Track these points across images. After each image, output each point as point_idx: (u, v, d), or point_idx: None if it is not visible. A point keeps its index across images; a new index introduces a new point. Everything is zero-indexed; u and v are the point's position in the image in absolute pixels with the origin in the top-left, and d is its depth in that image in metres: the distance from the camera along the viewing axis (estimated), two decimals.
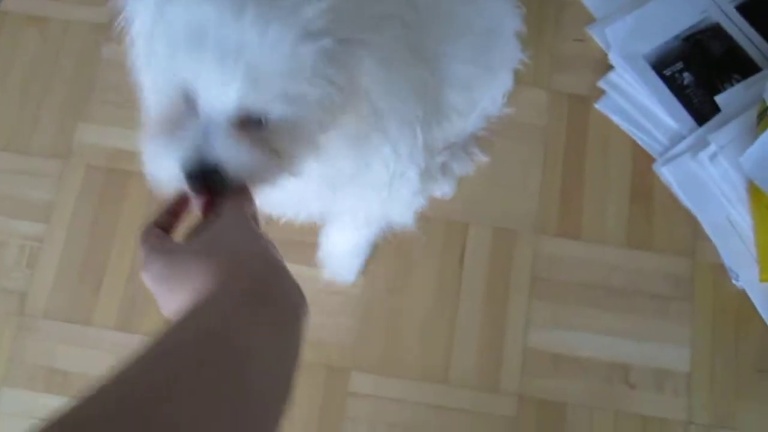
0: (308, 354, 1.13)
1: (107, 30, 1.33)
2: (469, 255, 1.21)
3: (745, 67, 1.29)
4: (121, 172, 1.25)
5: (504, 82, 1.18)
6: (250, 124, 0.64)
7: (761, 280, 1.18)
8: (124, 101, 1.28)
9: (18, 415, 1.15)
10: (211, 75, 0.61)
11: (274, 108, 0.64)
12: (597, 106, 1.29)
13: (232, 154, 0.63)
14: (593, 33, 1.33)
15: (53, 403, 1.15)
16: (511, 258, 1.21)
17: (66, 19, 1.35)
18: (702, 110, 1.27)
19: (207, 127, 0.63)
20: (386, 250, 1.21)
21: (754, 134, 1.18)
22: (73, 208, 1.24)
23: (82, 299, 1.19)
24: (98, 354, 1.17)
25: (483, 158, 1.25)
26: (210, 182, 0.63)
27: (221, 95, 0.62)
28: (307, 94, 0.65)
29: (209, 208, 0.63)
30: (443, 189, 1.23)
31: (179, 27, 0.62)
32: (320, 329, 1.17)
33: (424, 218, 1.13)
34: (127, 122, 1.23)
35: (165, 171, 0.65)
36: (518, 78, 1.24)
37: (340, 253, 1.19)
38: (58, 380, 1.16)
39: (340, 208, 0.96)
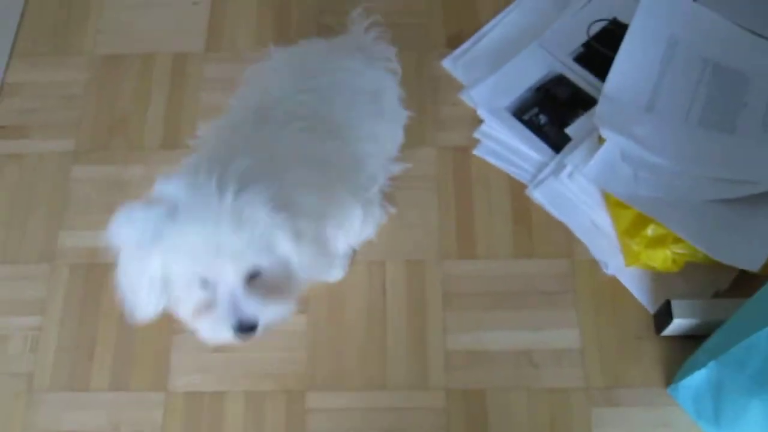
0: (270, 384, 1.39)
1: (73, 155, 1.64)
2: (389, 285, 1.48)
3: (587, 103, 1.59)
4: (99, 265, 1.51)
5: (397, 134, 1.46)
6: (253, 280, 0.96)
7: (626, 265, 1.44)
8: (93, 209, 1.57)
9: None
10: (225, 268, 0.93)
11: (262, 263, 0.96)
12: (475, 152, 1.59)
13: (258, 307, 0.96)
14: (463, 96, 1.65)
15: None
16: (424, 281, 1.48)
17: (39, 152, 1.65)
18: (557, 141, 1.57)
19: (232, 297, 0.95)
20: (322, 292, 1.48)
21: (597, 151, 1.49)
22: (63, 300, 1.49)
23: (79, 370, 1.43)
24: (98, 413, 1.40)
25: (391, 208, 1.53)
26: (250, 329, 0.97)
27: (231, 276, 0.94)
28: (274, 247, 0.96)
29: None
30: (368, 232, 1.51)
31: (189, 249, 0.92)
32: (277, 362, 1.42)
33: (352, 262, 1.43)
34: (98, 225, 1.52)
35: (221, 336, 0.98)
36: (409, 139, 1.54)
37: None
38: None
39: None
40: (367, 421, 1.38)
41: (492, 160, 1.59)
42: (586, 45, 1.67)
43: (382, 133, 1.34)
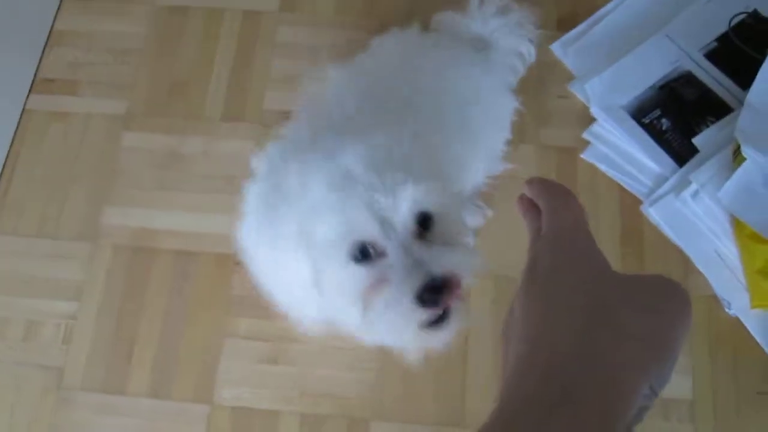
0: (330, 407, 1.21)
1: (125, 120, 1.45)
2: (475, 301, 1.28)
3: (719, 109, 1.37)
4: (145, 250, 1.34)
5: (504, 130, 1.26)
6: (421, 232, 0.75)
7: (752, 307, 1.24)
8: (144, 184, 1.39)
9: None
10: (393, 212, 0.73)
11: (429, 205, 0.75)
12: (583, 156, 1.38)
13: (446, 255, 0.73)
14: (574, 89, 1.43)
15: None
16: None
17: (87, 113, 1.46)
18: (681, 152, 1.35)
19: (406, 248, 0.73)
20: None
21: (731, 170, 1.27)
22: (103, 285, 1.32)
23: (115, 370, 1.27)
24: (133, 422, 1.24)
25: (488, 210, 1.33)
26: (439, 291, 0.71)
27: (402, 216, 0.73)
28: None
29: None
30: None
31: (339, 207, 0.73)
32: (341, 382, 1.24)
33: None
34: (149, 203, 1.34)
35: (406, 320, 0.73)
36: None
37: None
38: None
39: None
40: None
41: (603, 167, 1.37)
42: (722, 39, 1.43)
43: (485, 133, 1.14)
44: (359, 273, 0.75)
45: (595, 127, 1.39)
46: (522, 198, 0.55)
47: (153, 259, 1.33)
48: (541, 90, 1.44)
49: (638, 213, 1.34)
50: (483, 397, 1.23)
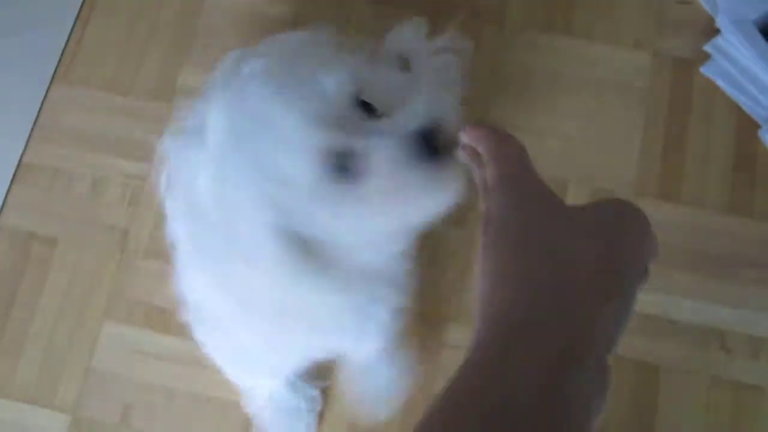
0: None
1: None
2: None
3: None
4: None
5: None
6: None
7: None
8: (225, 45, 1.29)
9: (118, 347, 1.18)
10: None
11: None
12: (702, 70, 1.26)
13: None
14: None
15: (151, 339, 1.18)
16: None
17: None
18: None
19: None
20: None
21: None
22: None
23: None
24: None
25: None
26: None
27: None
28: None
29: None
30: None
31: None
32: None
33: None
34: None
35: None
36: (620, 39, 1.23)
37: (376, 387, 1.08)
38: (157, 317, 1.18)
39: None
40: None
41: (722, 84, 1.26)
42: None
43: None
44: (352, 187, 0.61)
45: (718, 40, 1.27)
46: (464, 146, 0.53)
47: None
48: None
49: (756, 138, 1.23)
50: None
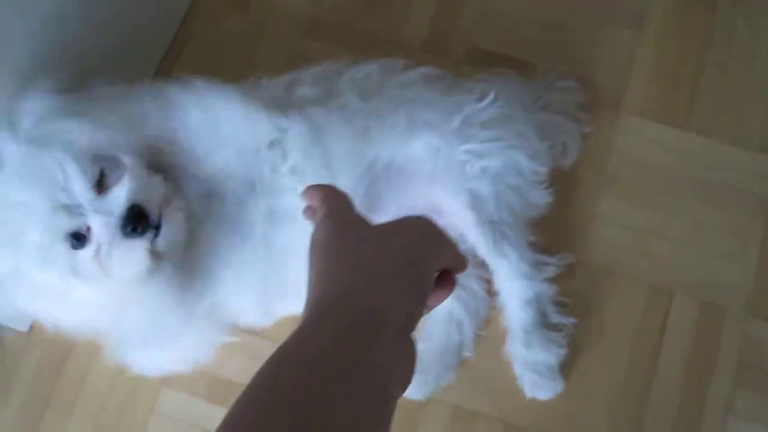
0: None
1: None
2: (671, 327, 1.10)
3: None
4: None
5: None
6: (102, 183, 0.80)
7: None
8: None
9: None
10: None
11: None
12: None
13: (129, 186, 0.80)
14: None
15: None
16: (720, 337, 1.09)
17: None
18: None
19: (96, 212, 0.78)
20: (577, 307, 1.11)
21: None
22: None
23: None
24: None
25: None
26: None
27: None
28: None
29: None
30: None
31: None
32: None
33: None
34: None
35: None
36: (736, 141, 1.14)
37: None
38: None
39: None
40: None
41: None
42: None
43: None
44: (85, 254, 0.79)
45: None
46: (306, 209, 0.62)
47: None
48: None
49: None
50: None
